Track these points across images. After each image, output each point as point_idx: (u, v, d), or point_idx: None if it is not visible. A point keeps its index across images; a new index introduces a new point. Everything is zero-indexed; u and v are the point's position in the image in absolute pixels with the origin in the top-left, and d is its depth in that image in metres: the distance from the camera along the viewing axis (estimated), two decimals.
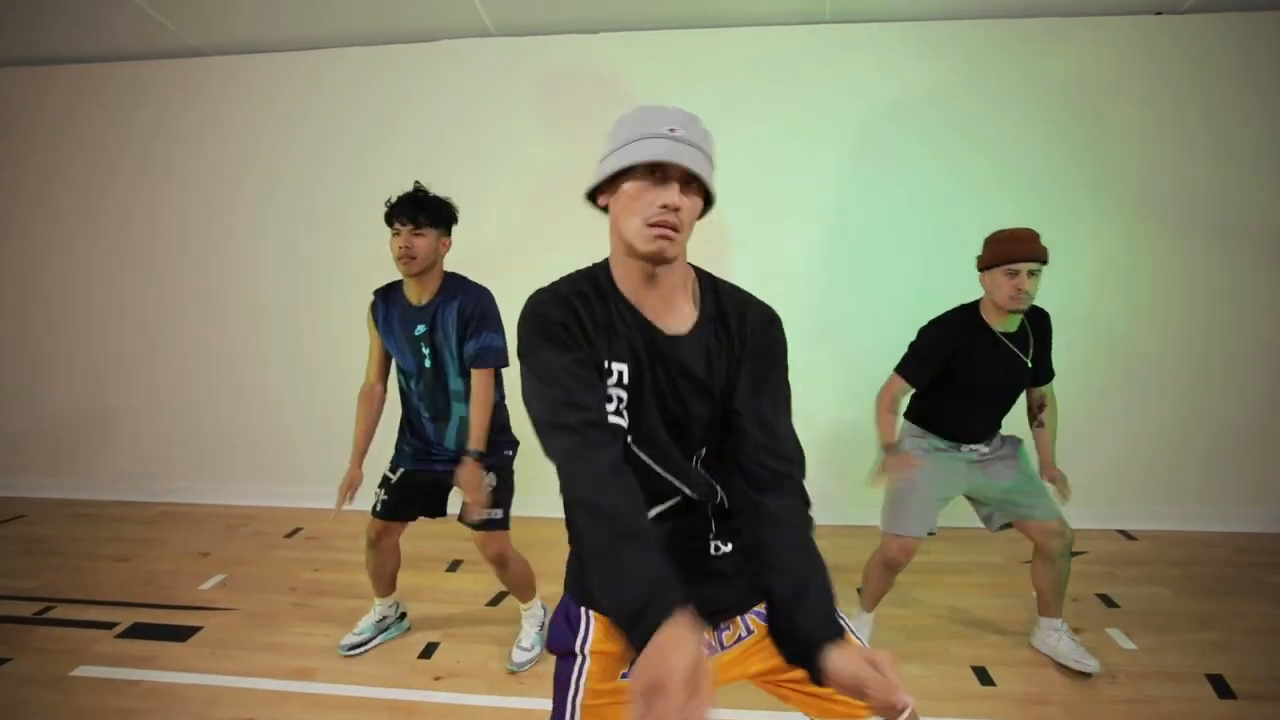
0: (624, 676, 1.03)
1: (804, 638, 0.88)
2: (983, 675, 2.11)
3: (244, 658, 2.27)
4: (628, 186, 0.94)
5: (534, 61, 3.21)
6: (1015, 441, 2.14)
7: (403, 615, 2.41)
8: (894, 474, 1.96)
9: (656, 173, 0.93)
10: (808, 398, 1.49)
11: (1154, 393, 3.11)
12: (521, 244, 3.20)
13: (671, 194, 0.92)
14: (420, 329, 2.03)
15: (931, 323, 2.04)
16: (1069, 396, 3.10)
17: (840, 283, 3.13)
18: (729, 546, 1.07)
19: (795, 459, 1.02)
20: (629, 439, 1.01)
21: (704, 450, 1.05)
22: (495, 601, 2.61)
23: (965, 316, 2.01)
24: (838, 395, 3.05)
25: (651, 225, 0.92)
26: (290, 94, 3.40)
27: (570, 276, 1.03)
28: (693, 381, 1.00)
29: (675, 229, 0.93)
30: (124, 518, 3.51)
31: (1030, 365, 2.01)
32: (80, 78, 3.52)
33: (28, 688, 2.12)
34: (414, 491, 2.16)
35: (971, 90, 3.02)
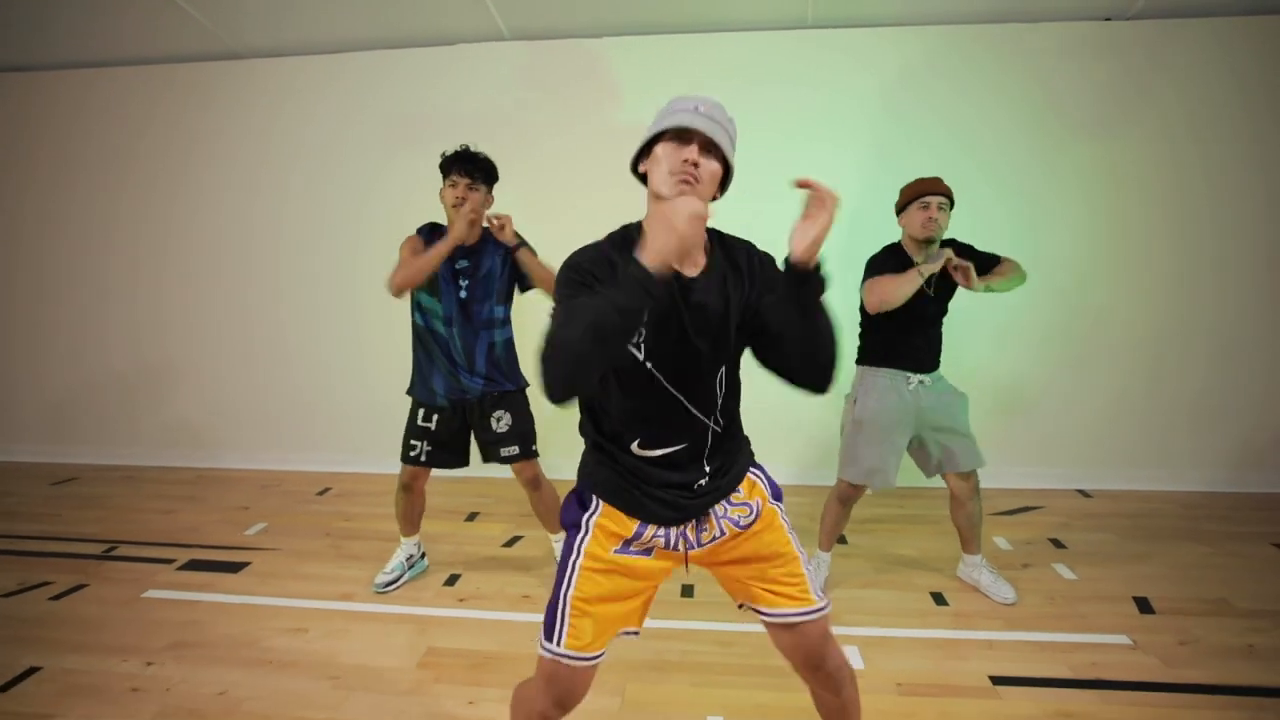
0: (615, 552, 1.26)
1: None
2: (939, 598, 2.41)
3: (290, 585, 2.58)
4: (659, 149, 1.17)
5: (544, 64, 3.53)
6: (961, 394, 2.39)
7: (423, 555, 2.71)
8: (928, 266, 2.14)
9: (683, 137, 1.16)
10: None
11: (1111, 368, 3.40)
12: (534, 237, 3.51)
13: (692, 151, 1.14)
14: (463, 263, 2.31)
15: (874, 254, 2.30)
16: (1036, 369, 3.42)
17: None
18: (707, 480, 1.27)
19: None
20: (649, 363, 1.20)
21: (712, 372, 1.24)
22: (510, 544, 2.92)
23: (893, 252, 2.29)
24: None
25: (674, 174, 1.15)
26: (315, 93, 3.72)
27: (610, 234, 1.25)
28: (704, 313, 1.19)
29: (695, 180, 1.14)
30: (165, 480, 3.83)
31: (933, 295, 2.25)
32: (125, 78, 3.85)
33: (105, 607, 2.44)
34: (447, 436, 2.42)
35: (937, 89, 3.32)
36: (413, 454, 2.43)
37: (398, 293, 2.25)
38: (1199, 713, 1.80)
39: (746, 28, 3.38)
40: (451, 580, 2.60)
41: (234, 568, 2.73)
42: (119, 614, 2.39)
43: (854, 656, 2.05)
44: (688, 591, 2.44)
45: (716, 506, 1.29)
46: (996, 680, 1.95)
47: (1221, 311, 3.32)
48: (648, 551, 1.27)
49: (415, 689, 1.96)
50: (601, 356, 1.06)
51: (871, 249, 2.35)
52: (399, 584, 2.58)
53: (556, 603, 1.23)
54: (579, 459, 1.35)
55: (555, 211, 3.49)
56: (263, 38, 3.59)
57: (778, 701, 1.85)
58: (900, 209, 2.29)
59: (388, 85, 3.66)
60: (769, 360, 1.23)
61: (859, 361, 2.40)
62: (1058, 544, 2.84)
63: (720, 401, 1.26)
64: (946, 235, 2.29)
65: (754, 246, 1.31)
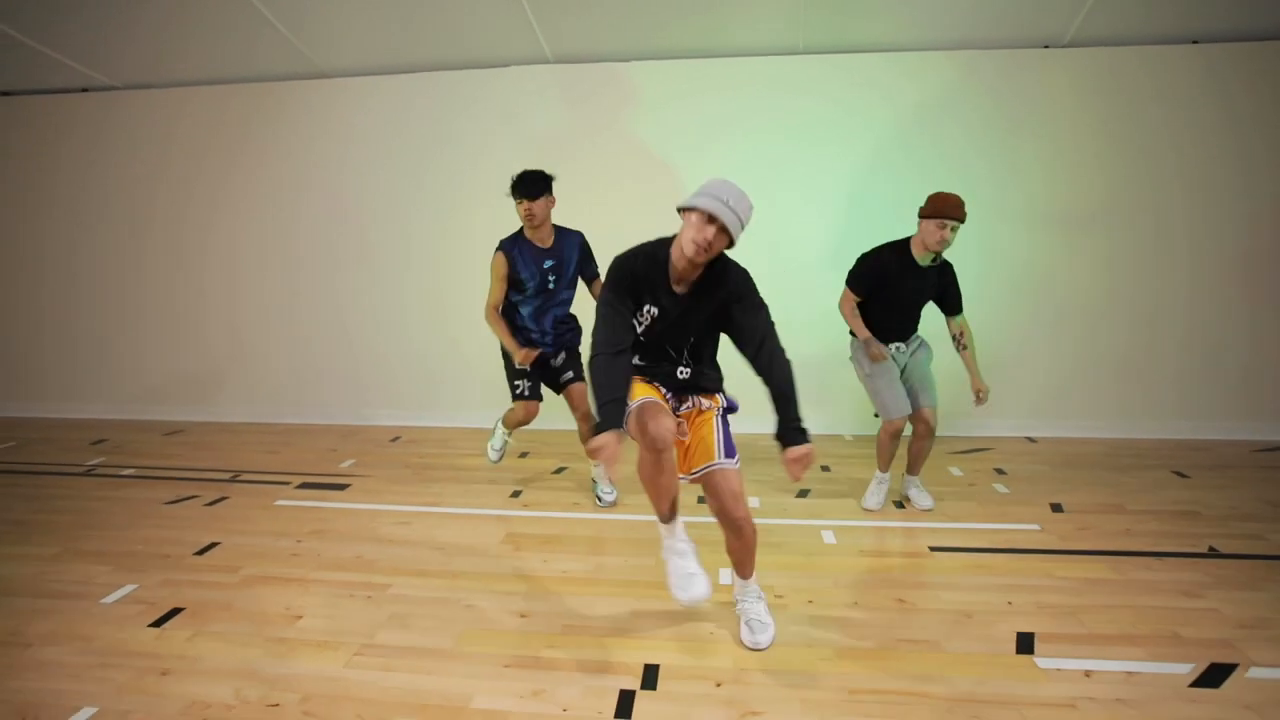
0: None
1: (781, 428, 1.82)
2: (899, 504, 3.09)
3: (388, 497, 3.28)
4: (693, 216, 1.77)
5: (582, 82, 4.22)
6: (928, 347, 3.04)
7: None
8: (875, 351, 2.83)
9: (710, 219, 1.75)
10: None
11: (1056, 331, 4.07)
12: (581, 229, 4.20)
13: (709, 233, 1.74)
14: (549, 263, 2.96)
15: (865, 253, 2.91)
16: (992, 333, 4.08)
17: (816, 271, 4.12)
18: (687, 372, 2.01)
19: (771, 340, 1.87)
20: (657, 331, 1.94)
21: (688, 343, 1.98)
22: (558, 472, 3.61)
23: (895, 250, 2.86)
24: (814, 347, 4.03)
25: (693, 242, 1.77)
26: (383, 110, 4.42)
27: (650, 243, 1.91)
28: (683, 317, 1.91)
29: (706, 250, 1.77)
30: (259, 432, 4.54)
31: (931, 281, 2.87)
32: (221, 96, 4.56)
33: (249, 510, 3.14)
34: (536, 373, 3.06)
35: (914, 104, 4.00)
36: (517, 392, 3.05)
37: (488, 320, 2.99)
38: (1075, 563, 2.48)
39: (751, 53, 4.06)
40: (516, 494, 3.29)
41: (340, 487, 3.43)
42: (262, 513, 3.09)
43: (828, 535, 2.74)
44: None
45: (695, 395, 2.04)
46: (934, 549, 2.64)
47: (1143, 287, 3.99)
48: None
49: (503, 555, 2.65)
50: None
51: (859, 237, 2.96)
52: (503, 451, 3.26)
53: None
54: None
55: (594, 207, 4.20)
56: (345, 59, 4.29)
57: (771, 559, 2.54)
58: (924, 215, 2.74)
59: (446, 101, 4.36)
60: (743, 351, 1.92)
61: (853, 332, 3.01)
62: (1000, 471, 3.51)
63: (687, 353, 2.00)
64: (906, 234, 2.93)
65: (732, 266, 1.92)
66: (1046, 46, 3.86)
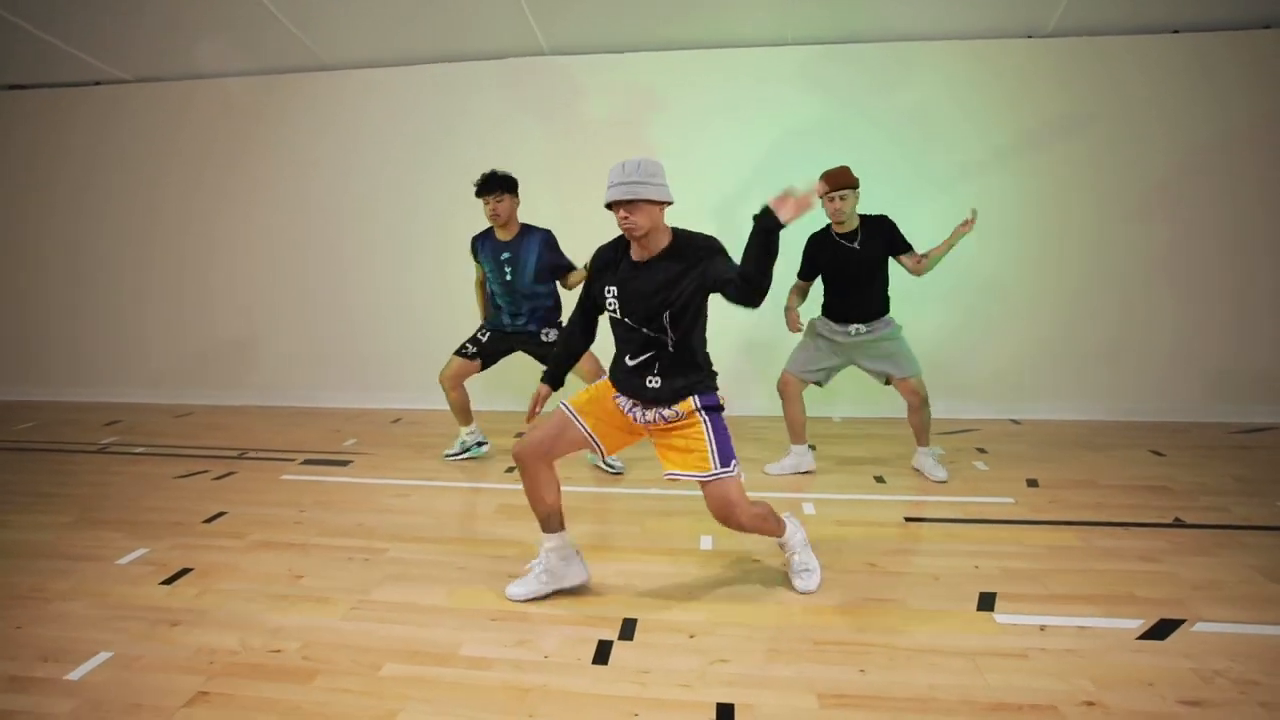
0: (614, 397, 2.15)
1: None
2: (879, 479, 3.19)
3: (388, 473, 3.41)
4: (613, 213, 1.92)
5: (578, 74, 4.33)
6: (895, 326, 3.11)
7: (480, 443, 3.58)
8: (790, 321, 3.06)
9: (613, 207, 1.90)
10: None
11: (1041, 315, 4.15)
12: (570, 219, 4.32)
13: (622, 217, 1.88)
14: (505, 255, 3.23)
15: (812, 234, 3.11)
16: (976, 317, 4.17)
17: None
18: (657, 382, 2.03)
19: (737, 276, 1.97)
20: (621, 314, 2.02)
21: (658, 319, 1.98)
22: None
23: (820, 233, 3.09)
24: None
25: (621, 226, 1.92)
26: (387, 101, 4.54)
27: (615, 239, 2.09)
28: (646, 288, 1.96)
29: (634, 228, 1.89)
30: (267, 414, 4.68)
31: (859, 250, 2.99)
32: (228, 88, 4.69)
33: (256, 484, 3.28)
34: (492, 348, 3.39)
35: (893, 101, 4.09)
36: (461, 351, 3.40)
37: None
38: (1044, 532, 2.58)
39: (740, 44, 4.15)
40: (511, 469, 3.42)
41: (342, 463, 3.57)
42: (268, 486, 3.23)
43: (808, 507, 2.85)
44: None
45: (660, 406, 2.06)
46: (909, 519, 2.74)
47: (1128, 271, 4.06)
48: (619, 407, 2.15)
49: (497, 523, 2.78)
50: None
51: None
52: (460, 458, 3.52)
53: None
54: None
55: (585, 199, 4.30)
56: (348, 52, 4.41)
57: None
58: (820, 195, 2.94)
59: (448, 92, 4.48)
60: (726, 291, 1.89)
61: (821, 313, 3.20)
62: (981, 450, 3.61)
63: (667, 331, 2.00)
64: (880, 212, 3.06)
65: (697, 236, 2.00)
66: (1029, 36, 3.94)
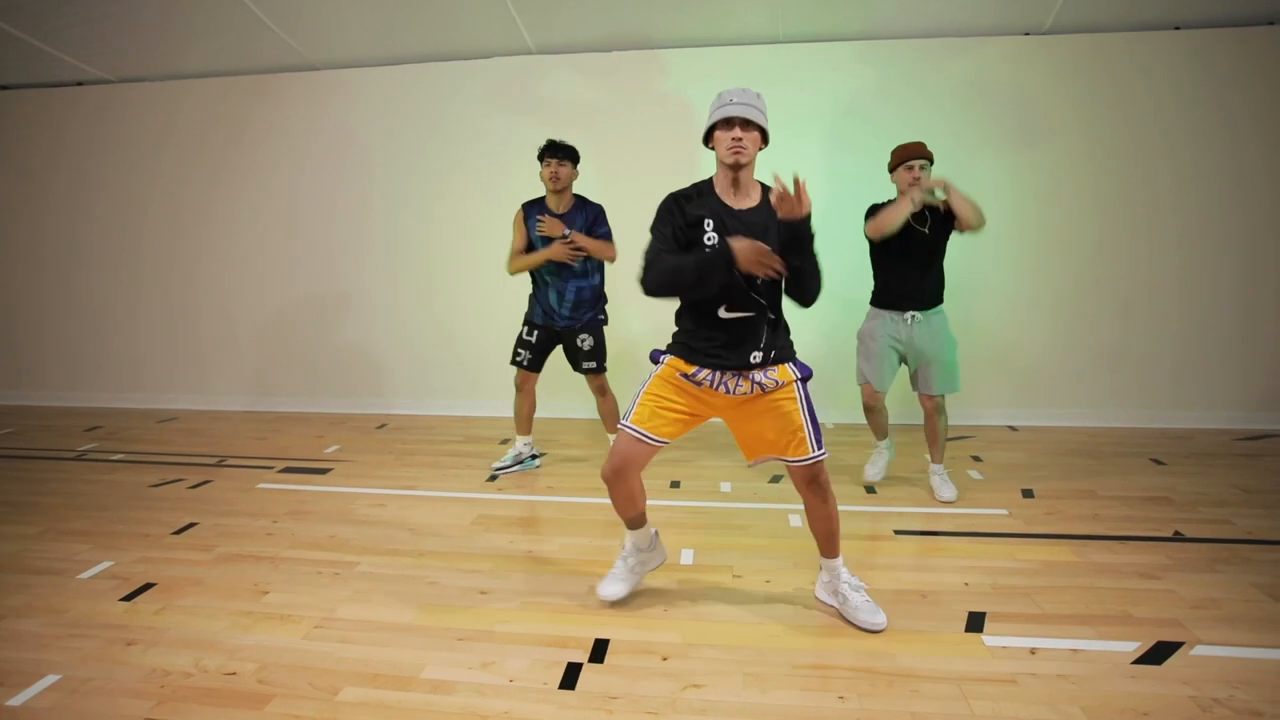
0: (679, 376, 1.94)
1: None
2: (870, 490, 3.10)
3: (367, 481, 3.33)
4: (717, 133, 1.84)
5: (565, 72, 4.25)
6: (944, 317, 2.90)
7: (534, 456, 3.47)
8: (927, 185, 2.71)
9: (728, 123, 1.81)
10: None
11: (1040, 320, 4.06)
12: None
13: (736, 131, 1.81)
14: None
15: (873, 205, 2.89)
16: (976, 322, 4.08)
17: None
18: (759, 344, 1.88)
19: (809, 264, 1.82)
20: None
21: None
22: (536, 457, 3.65)
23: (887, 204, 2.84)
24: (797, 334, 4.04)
25: (727, 148, 1.82)
26: (373, 101, 4.47)
27: (693, 184, 1.91)
28: (753, 234, 1.78)
29: (742, 149, 1.81)
30: (250, 420, 4.61)
31: (928, 233, 2.81)
32: (214, 89, 4.63)
33: (230, 492, 3.20)
34: (542, 347, 3.26)
35: (890, 99, 4.00)
36: (517, 359, 3.27)
37: (513, 274, 3.21)
38: (1038, 546, 2.49)
39: (729, 43, 4.07)
40: (492, 478, 3.33)
41: (322, 471, 3.49)
42: (243, 495, 3.15)
43: (794, 519, 2.76)
44: (675, 484, 3.16)
45: (754, 371, 1.90)
46: (898, 532, 2.65)
47: (1129, 275, 3.96)
48: (698, 384, 1.95)
49: (472, 535, 2.70)
50: (678, 293, 1.87)
51: (844, 220, 2.99)
52: (508, 471, 3.37)
53: (636, 396, 1.98)
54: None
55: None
56: (334, 52, 4.34)
57: (735, 541, 2.56)
58: (892, 168, 2.82)
59: (433, 92, 4.40)
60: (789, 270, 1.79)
61: (871, 302, 2.99)
62: (976, 458, 3.51)
63: (767, 291, 1.88)
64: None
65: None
66: (1027, 34, 3.84)
